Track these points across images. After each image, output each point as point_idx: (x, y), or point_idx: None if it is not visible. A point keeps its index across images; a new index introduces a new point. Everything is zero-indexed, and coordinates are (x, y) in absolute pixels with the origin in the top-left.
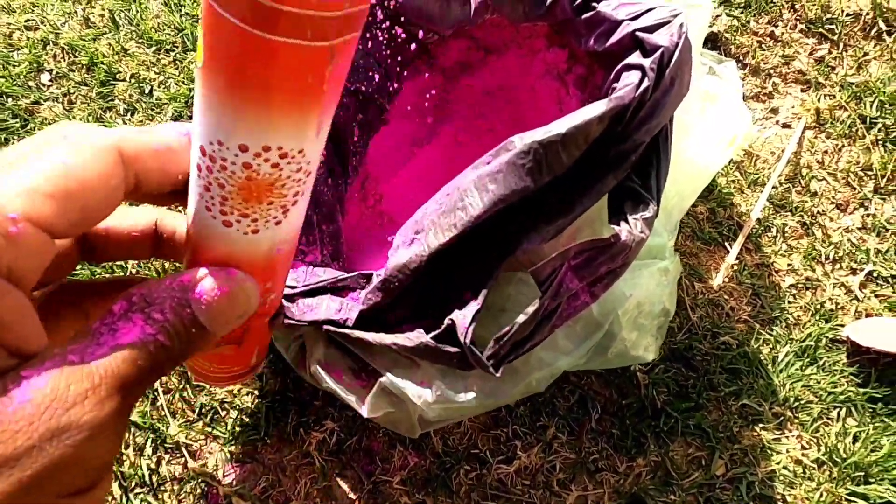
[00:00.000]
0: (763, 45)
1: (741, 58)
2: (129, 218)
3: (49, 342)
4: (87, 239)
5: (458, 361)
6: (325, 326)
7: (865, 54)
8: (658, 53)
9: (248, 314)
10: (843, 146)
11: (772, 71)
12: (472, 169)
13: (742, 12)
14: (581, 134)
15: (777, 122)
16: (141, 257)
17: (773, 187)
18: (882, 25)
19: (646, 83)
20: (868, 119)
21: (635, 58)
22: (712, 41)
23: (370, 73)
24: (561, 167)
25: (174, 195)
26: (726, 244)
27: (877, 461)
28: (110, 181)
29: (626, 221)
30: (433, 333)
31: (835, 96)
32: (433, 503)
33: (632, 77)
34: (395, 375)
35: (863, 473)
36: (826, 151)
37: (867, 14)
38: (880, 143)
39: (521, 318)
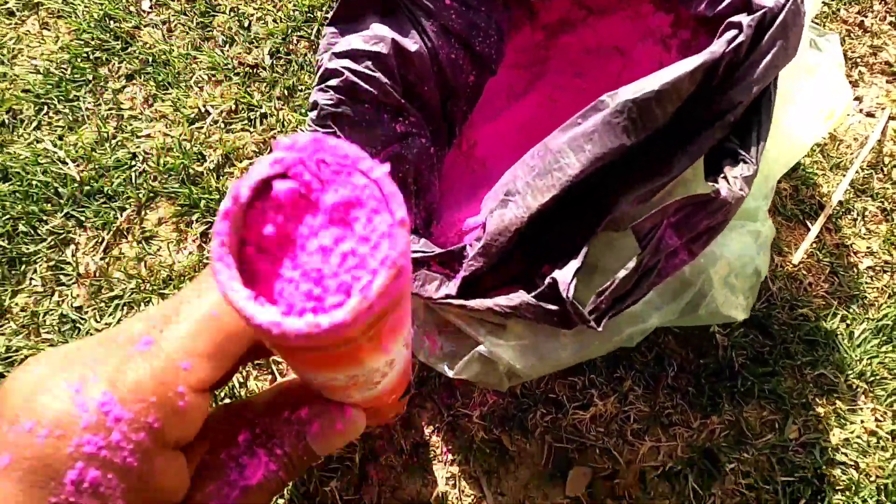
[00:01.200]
0: (851, 34)
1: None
2: None
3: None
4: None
5: (559, 319)
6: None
7: None
8: (760, 13)
9: (355, 437)
10: None
11: (858, 60)
12: (562, 131)
13: (833, 0)
14: (674, 90)
15: (861, 111)
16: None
17: (855, 172)
18: None
19: (740, 38)
20: None
21: (739, 17)
22: (814, 24)
23: (489, 33)
24: (656, 124)
25: None
26: (807, 222)
27: None
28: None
29: (726, 179)
30: (534, 292)
31: None
32: (508, 440)
33: (730, 34)
34: (490, 342)
35: None
36: None
37: None
38: None
39: (622, 273)
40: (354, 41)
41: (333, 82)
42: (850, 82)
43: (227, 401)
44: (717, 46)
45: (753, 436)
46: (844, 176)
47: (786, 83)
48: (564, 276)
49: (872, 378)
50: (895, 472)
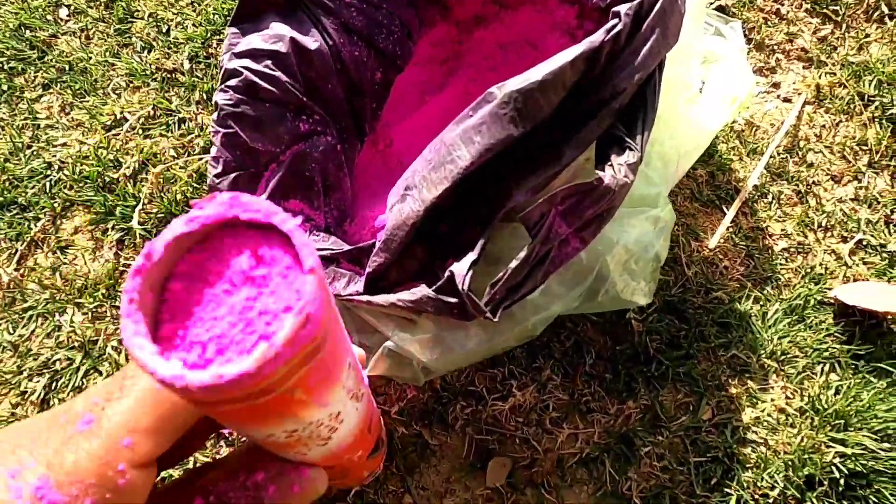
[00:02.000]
0: (768, 22)
1: (746, 32)
2: None
3: None
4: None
5: (459, 311)
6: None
7: (867, 36)
8: (637, 2)
9: (316, 498)
10: (841, 121)
11: (776, 47)
12: (456, 124)
13: None
14: (557, 79)
15: (778, 97)
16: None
17: (770, 157)
18: (885, 9)
19: (618, 27)
20: (866, 97)
21: (620, 6)
22: (719, 13)
23: (393, 30)
24: (541, 114)
25: None
26: (723, 207)
27: (857, 411)
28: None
29: (611, 166)
30: (434, 287)
31: (835, 74)
32: (429, 435)
33: (610, 24)
34: (398, 337)
35: (842, 422)
36: (824, 126)
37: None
38: (876, 119)
39: (514, 264)
40: (254, 41)
41: (233, 82)
42: (767, 69)
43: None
44: (597, 36)
45: (668, 419)
46: (760, 161)
47: (688, 73)
48: (461, 269)
49: (783, 357)
50: (801, 448)
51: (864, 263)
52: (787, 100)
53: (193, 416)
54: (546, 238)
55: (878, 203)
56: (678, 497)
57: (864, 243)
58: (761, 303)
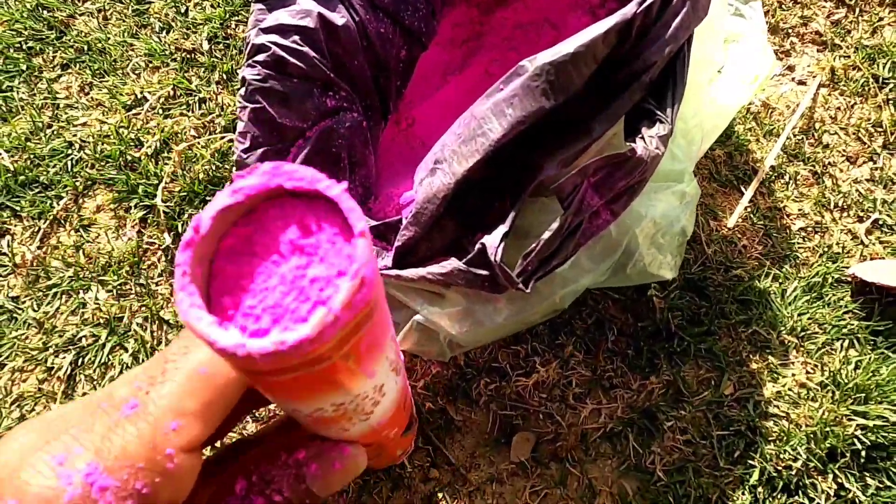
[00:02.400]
0: (783, 6)
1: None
2: None
3: None
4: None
5: (489, 283)
6: None
7: (880, 19)
8: None
9: (358, 474)
10: (856, 103)
11: (790, 30)
12: (486, 97)
13: None
14: (589, 52)
15: (793, 79)
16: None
17: (787, 138)
18: None
19: (650, 0)
20: (881, 79)
21: None
22: None
23: (418, 6)
24: (573, 86)
25: None
26: (741, 187)
27: (877, 385)
28: (241, 378)
29: (642, 139)
30: (465, 259)
31: (849, 57)
32: (454, 410)
33: None
34: (427, 311)
35: (863, 395)
36: (839, 108)
37: None
38: (891, 102)
39: (546, 235)
40: (281, 16)
41: (261, 57)
42: (782, 52)
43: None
44: (629, 8)
45: (690, 394)
46: (776, 142)
47: (709, 53)
48: (493, 241)
49: (803, 333)
50: (823, 421)
51: (881, 243)
52: (801, 82)
53: (237, 396)
54: (578, 210)
55: (893, 184)
56: (701, 470)
57: (880, 223)
58: (780, 280)
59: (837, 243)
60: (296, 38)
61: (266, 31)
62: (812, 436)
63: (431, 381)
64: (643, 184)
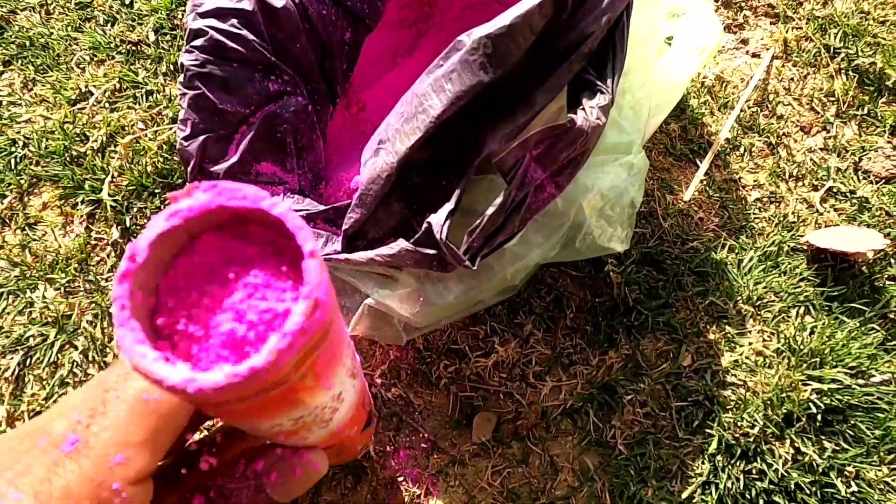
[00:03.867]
0: None
1: None
2: None
3: None
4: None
5: (437, 262)
6: None
7: None
8: None
9: (320, 477)
10: (808, 74)
11: (743, 4)
12: (427, 74)
13: None
14: (525, 23)
15: (747, 52)
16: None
17: (741, 110)
18: None
19: None
20: (832, 49)
21: None
22: None
23: None
24: (511, 59)
25: None
26: (696, 161)
27: (831, 349)
28: (185, 419)
29: (583, 109)
30: (412, 239)
31: (801, 28)
32: (414, 395)
33: None
34: (378, 294)
35: (818, 360)
36: (792, 79)
37: None
38: (843, 71)
39: (490, 210)
40: (219, 0)
41: (198, 42)
42: (735, 26)
43: None
44: None
45: (649, 366)
46: (730, 115)
47: (654, 24)
48: (438, 219)
49: (759, 302)
50: (780, 387)
51: (835, 210)
52: (755, 55)
53: (186, 419)
54: (521, 183)
55: (847, 151)
56: (661, 441)
57: (834, 190)
58: (736, 251)
59: (793, 212)
60: (234, 21)
61: (203, 15)
62: (769, 402)
63: (390, 367)
64: (586, 155)
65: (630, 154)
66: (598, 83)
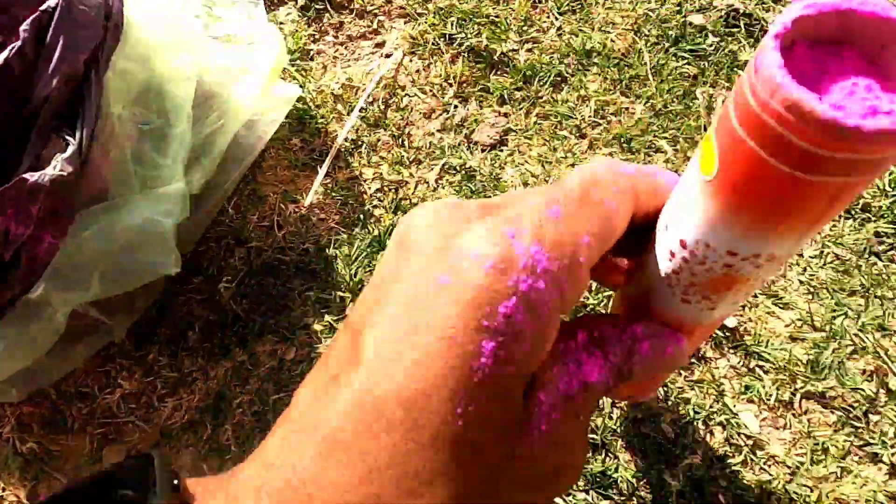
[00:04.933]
0: None
1: (347, 4)
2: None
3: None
4: None
5: None
6: None
7: None
8: (35, 17)
9: (672, 371)
10: (431, 63)
11: (377, 11)
12: None
13: None
14: None
15: (382, 55)
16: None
17: (365, 110)
18: None
19: (19, 44)
20: (448, 36)
21: (22, 26)
22: None
23: None
24: None
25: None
26: (317, 167)
27: None
28: (628, 219)
29: (48, 162)
30: None
31: (426, 22)
32: (50, 444)
33: (16, 44)
34: None
35: None
36: (418, 71)
37: None
38: (460, 55)
39: None
40: None
41: None
42: (371, 32)
43: None
44: (4, 55)
45: (257, 367)
46: (351, 115)
47: (187, 61)
48: None
49: (361, 284)
50: None
51: (449, 184)
52: (388, 55)
53: (614, 241)
54: (5, 241)
55: (462, 128)
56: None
57: (447, 166)
58: (350, 242)
59: (413, 194)
60: None
61: None
62: None
63: (20, 422)
64: (71, 201)
65: (172, 182)
66: (68, 137)
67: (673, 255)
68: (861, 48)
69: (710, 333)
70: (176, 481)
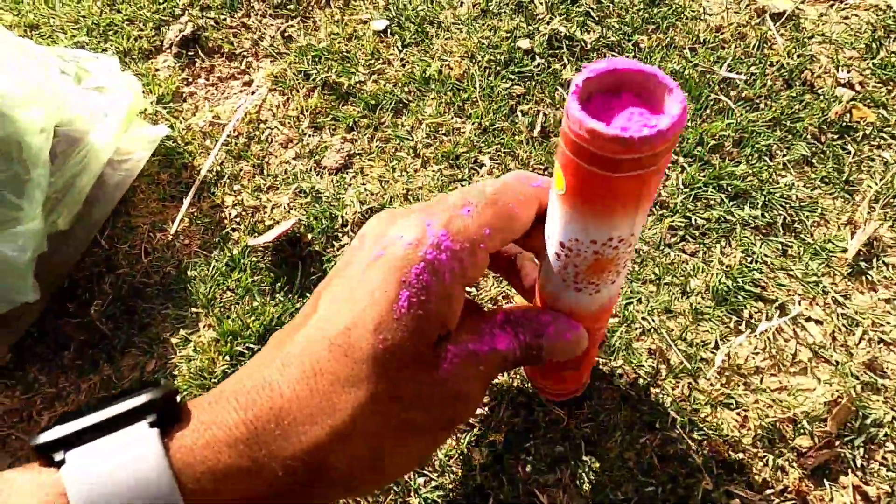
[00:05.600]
0: (237, 35)
1: (218, 49)
2: (513, 247)
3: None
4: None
5: None
6: None
7: (315, 22)
8: None
9: (575, 355)
10: (290, 98)
11: (246, 53)
12: None
13: (216, 13)
14: None
15: (250, 93)
16: (498, 272)
17: (229, 144)
18: None
19: None
20: (305, 73)
21: None
22: (193, 42)
23: None
24: None
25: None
26: (184, 199)
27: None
28: (530, 221)
29: None
30: None
31: (286, 61)
32: None
33: None
34: None
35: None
36: (278, 105)
37: None
38: (316, 89)
39: None
40: None
41: None
42: (240, 73)
43: None
44: None
45: (120, 379)
46: (213, 149)
47: (49, 105)
48: None
49: (213, 301)
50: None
51: (300, 206)
52: (253, 93)
53: (515, 235)
54: None
55: (313, 154)
56: None
57: (298, 190)
58: (207, 264)
59: (269, 216)
60: None
61: None
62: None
63: None
64: None
65: (18, 227)
66: None
67: (558, 255)
68: (633, 91)
69: (604, 323)
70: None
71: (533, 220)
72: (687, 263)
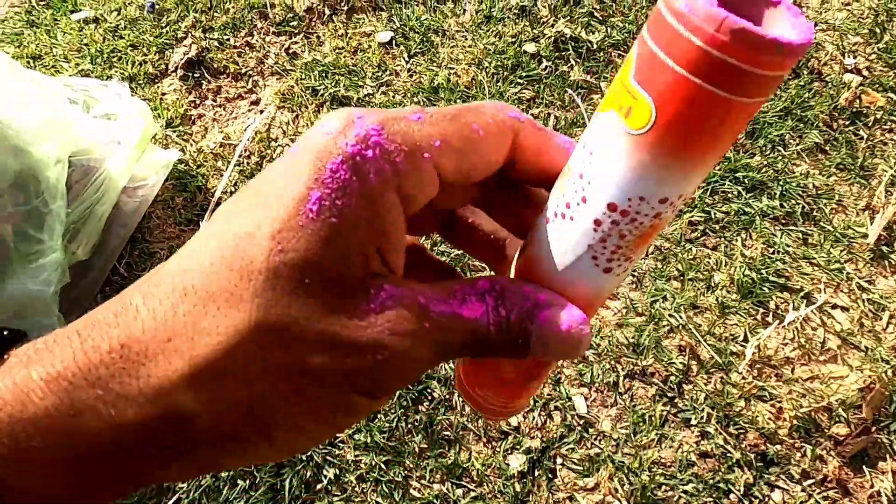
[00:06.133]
0: (241, 55)
1: (224, 69)
2: (489, 223)
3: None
4: (451, 217)
5: None
6: None
7: (319, 37)
8: None
9: (572, 357)
10: (299, 115)
11: (251, 72)
12: None
13: (219, 33)
14: None
15: (259, 111)
16: (483, 259)
17: (239, 163)
18: (327, 10)
19: None
20: (313, 88)
21: None
22: (198, 63)
23: None
24: None
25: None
26: (200, 222)
27: None
28: (499, 157)
29: None
30: None
31: (293, 78)
32: None
33: None
34: None
35: None
36: (288, 122)
37: (318, 5)
38: (325, 104)
39: None
40: None
41: None
42: (247, 91)
43: None
44: None
45: None
46: (227, 169)
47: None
48: None
49: None
50: None
51: None
52: (262, 112)
53: (477, 175)
54: None
55: None
56: None
57: None
58: None
59: None
60: None
61: None
62: None
63: None
64: None
65: (48, 256)
66: None
67: (599, 223)
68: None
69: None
70: None
71: (504, 157)
72: (709, 258)
